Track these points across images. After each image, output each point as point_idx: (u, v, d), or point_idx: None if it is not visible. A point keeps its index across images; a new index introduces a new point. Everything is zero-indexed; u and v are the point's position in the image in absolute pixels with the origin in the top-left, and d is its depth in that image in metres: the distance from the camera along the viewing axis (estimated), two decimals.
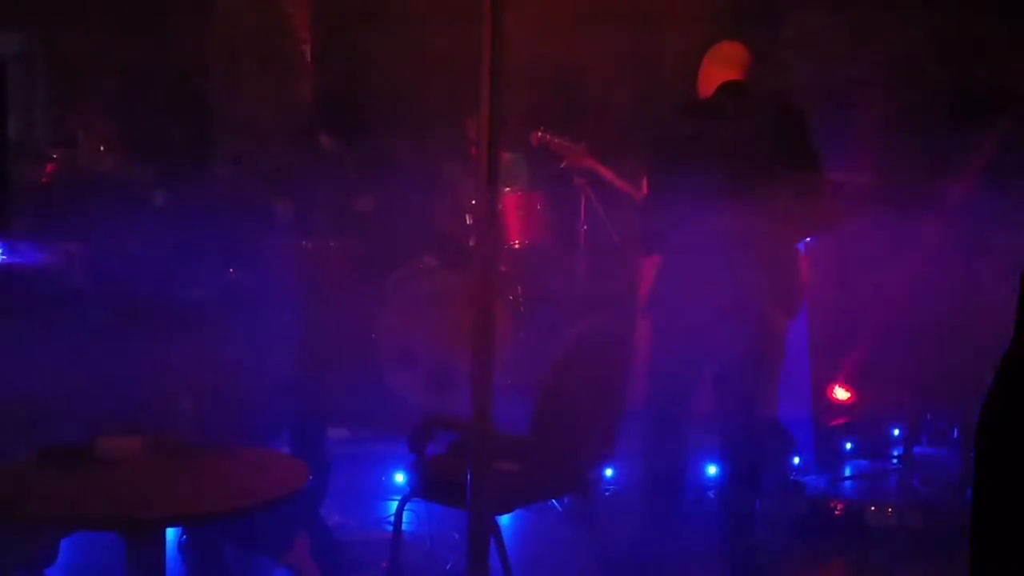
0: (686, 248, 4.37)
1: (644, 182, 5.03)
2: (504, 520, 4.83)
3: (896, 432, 6.58)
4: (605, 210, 6.60)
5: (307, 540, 4.31)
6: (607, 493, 5.53)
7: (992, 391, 1.99)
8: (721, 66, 4.55)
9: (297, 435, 4.57)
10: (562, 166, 6.53)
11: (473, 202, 6.64)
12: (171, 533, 4.16)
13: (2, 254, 5.25)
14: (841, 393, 6.48)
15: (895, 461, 6.35)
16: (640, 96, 7.06)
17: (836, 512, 5.41)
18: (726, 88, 4.51)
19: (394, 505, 4.45)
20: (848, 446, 6.42)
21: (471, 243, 6.60)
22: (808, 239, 4.81)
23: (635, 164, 5.55)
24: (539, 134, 6.52)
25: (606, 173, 6.36)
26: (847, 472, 6.27)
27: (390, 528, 4.40)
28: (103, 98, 7.15)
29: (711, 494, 5.50)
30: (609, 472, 5.61)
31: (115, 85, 7.26)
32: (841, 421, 6.44)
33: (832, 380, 6.49)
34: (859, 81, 7.53)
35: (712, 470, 5.68)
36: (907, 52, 7.18)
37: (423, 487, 4.22)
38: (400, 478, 5.51)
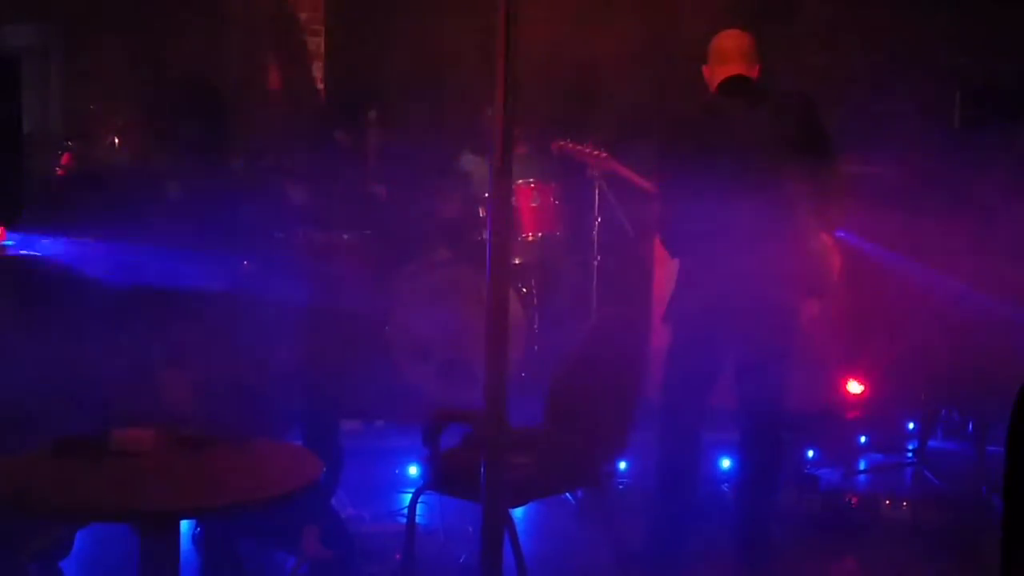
0: (707, 248, 4.35)
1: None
2: (518, 513, 4.83)
3: (911, 426, 6.56)
4: (619, 202, 6.59)
5: (316, 530, 4.32)
6: (621, 486, 5.53)
7: None
8: (721, 62, 4.52)
9: (310, 427, 4.57)
10: (588, 174, 6.55)
11: (486, 194, 6.64)
12: (185, 525, 4.16)
13: (16, 245, 5.26)
14: (855, 387, 6.47)
15: (910, 455, 6.33)
16: (655, 89, 7.04)
17: (851, 506, 5.39)
18: (728, 85, 4.48)
19: (408, 498, 4.45)
20: (863, 440, 6.41)
21: (484, 235, 6.59)
22: (837, 229, 4.80)
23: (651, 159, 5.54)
24: (560, 143, 6.53)
25: (630, 175, 6.36)
26: (862, 466, 6.26)
27: (404, 521, 4.40)
28: (118, 91, 7.17)
29: (725, 487, 5.49)
30: (623, 465, 5.60)
31: (130, 78, 7.28)
32: (856, 415, 6.43)
33: (847, 374, 6.48)
34: (877, 73, 7.50)
35: (726, 463, 5.68)
36: (930, 44, 7.15)
37: (437, 480, 4.22)
38: (414, 471, 5.51)
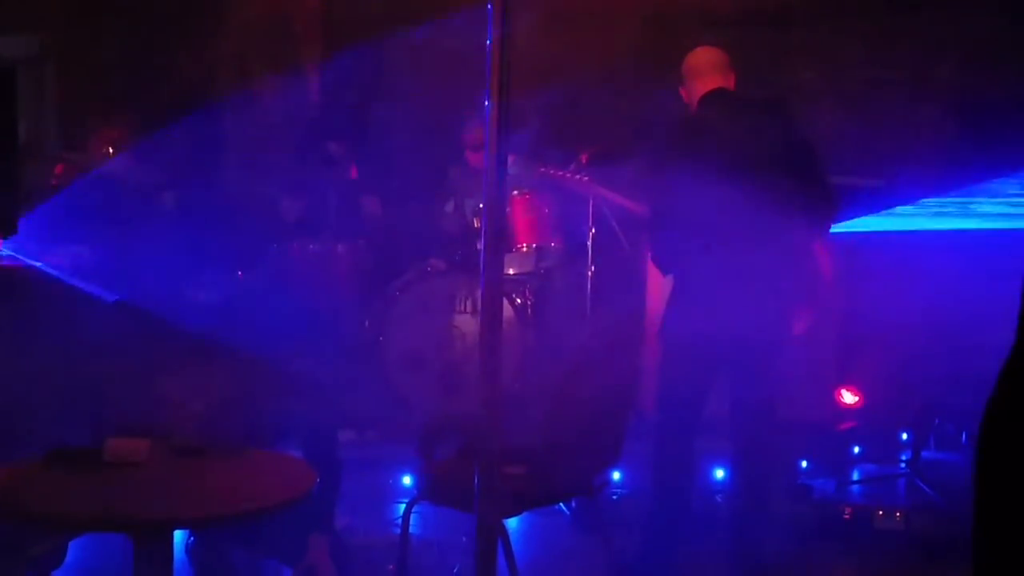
0: (700, 262, 4.36)
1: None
2: (511, 524, 4.82)
3: (904, 436, 6.56)
4: (613, 213, 6.60)
5: (326, 540, 4.32)
6: (615, 497, 5.52)
7: (994, 396, 1.98)
8: (698, 77, 4.54)
9: (309, 439, 4.56)
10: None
11: (480, 205, 6.64)
12: (178, 535, 4.16)
13: (11, 256, 5.26)
14: (849, 397, 6.47)
15: (903, 465, 6.34)
16: (646, 102, 7.06)
17: (844, 516, 5.39)
18: (709, 98, 4.50)
19: (402, 508, 4.45)
20: (856, 450, 6.41)
21: (478, 246, 6.60)
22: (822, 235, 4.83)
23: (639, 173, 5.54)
24: (542, 170, 6.57)
25: (614, 197, 6.38)
26: (855, 476, 6.26)
27: (398, 531, 4.39)
28: (112, 101, 7.18)
29: (718, 498, 5.49)
30: (617, 476, 5.60)
31: (125, 88, 7.29)
32: (849, 425, 6.43)
33: (840, 384, 6.48)
34: (872, 85, 7.52)
35: (719, 474, 5.68)
36: (922, 57, 7.17)
37: (431, 490, 4.22)
38: (408, 481, 5.51)
